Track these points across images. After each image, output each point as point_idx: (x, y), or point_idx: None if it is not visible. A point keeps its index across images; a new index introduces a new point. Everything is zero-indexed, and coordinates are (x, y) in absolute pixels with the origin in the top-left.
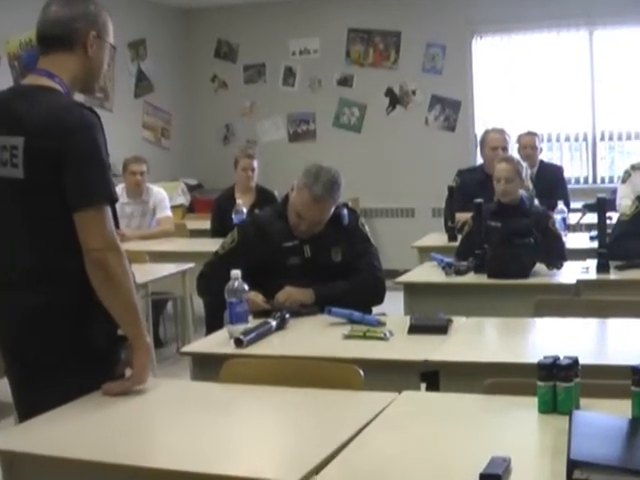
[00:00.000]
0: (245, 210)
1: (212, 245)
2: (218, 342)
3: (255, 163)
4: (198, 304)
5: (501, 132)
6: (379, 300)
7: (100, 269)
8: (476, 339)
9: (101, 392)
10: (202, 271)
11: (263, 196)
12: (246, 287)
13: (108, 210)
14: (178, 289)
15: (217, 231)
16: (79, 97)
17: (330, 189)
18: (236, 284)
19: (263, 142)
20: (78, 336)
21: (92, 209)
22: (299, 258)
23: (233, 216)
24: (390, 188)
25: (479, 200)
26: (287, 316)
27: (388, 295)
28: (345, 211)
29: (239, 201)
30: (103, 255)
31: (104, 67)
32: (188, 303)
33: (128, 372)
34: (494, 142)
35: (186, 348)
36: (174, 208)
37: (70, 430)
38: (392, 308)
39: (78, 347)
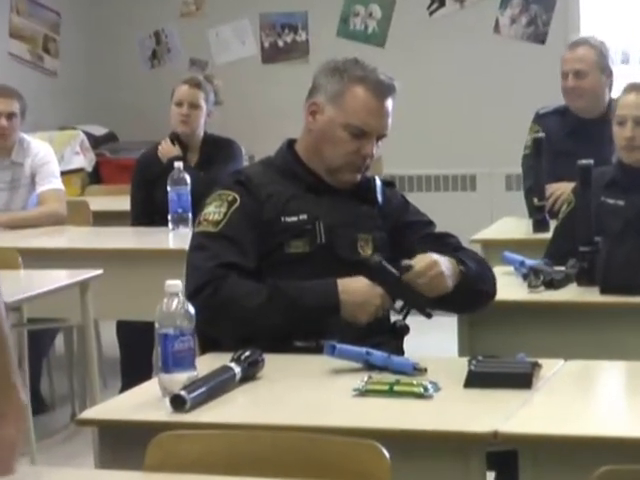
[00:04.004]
0: (188, 177)
1: (134, 237)
2: (143, 402)
3: (202, 97)
4: (109, 338)
5: (583, 44)
6: (493, 291)
7: None
8: (580, 397)
9: None
10: (199, 282)
11: (215, 151)
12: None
13: None
14: (74, 313)
15: (142, 213)
16: None
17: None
18: (174, 305)
19: (219, 63)
20: None
21: None
22: (306, 244)
23: (168, 187)
24: (432, 142)
25: (585, 161)
26: (261, 357)
27: (433, 322)
28: (379, 182)
29: (177, 162)
30: None
31: None
32: (92, 337)
33: None
34: (565, 64)
35: (88, 413)
36: (67, 175)
37: None
38: (439, 343)
39: None
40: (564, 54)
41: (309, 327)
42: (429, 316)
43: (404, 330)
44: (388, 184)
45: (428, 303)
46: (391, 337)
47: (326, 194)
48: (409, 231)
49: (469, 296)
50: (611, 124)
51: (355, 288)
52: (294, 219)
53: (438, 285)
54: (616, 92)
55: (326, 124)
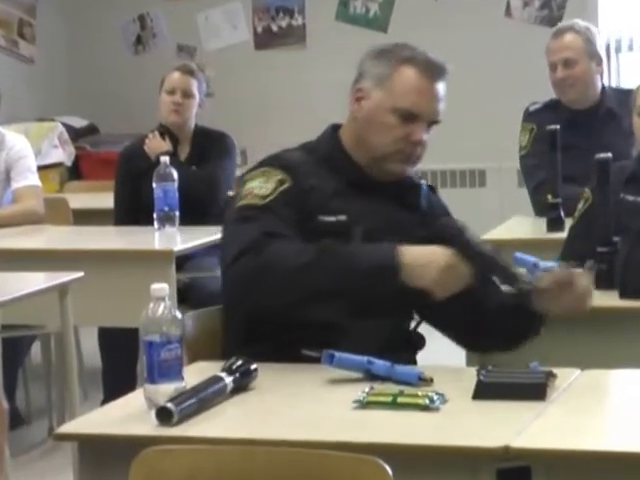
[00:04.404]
0: (175, 172)
1: (118, 237)
2: (126, 415)
3: (195, 85)
4: (90, 346)
5: (568, 31)
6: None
7: None
8: (598, 409)
9: None
10: (242, 247)
11: (208, 144)
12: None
13: None
14: (52, 319)
15: (125, 212)
16: None
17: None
18: (160, 310)
19: (209, 50)
20: None
21: None
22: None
23: (154, 184)
24: (438, 135)
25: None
26: (254, 367)
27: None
28: (424, 184)
29: (164, 157)
30: None
31: None
32: (71, 345)
33: None
34: (551, 54)
35: (67, 427)
36: (45, 171)
37: None
38: (445, 352)
39: None
40: (548, 44)
41: (357, 295)
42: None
43: (420, 342)
44: (431, 189)
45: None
46: (407, 349)
47: (368, 191)
48: (447, 243)
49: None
50: (610, 113)
51: (421, 249)
52: (332, 219)
53: (580, 303)
54: (635, 82)
55: (373, 109)
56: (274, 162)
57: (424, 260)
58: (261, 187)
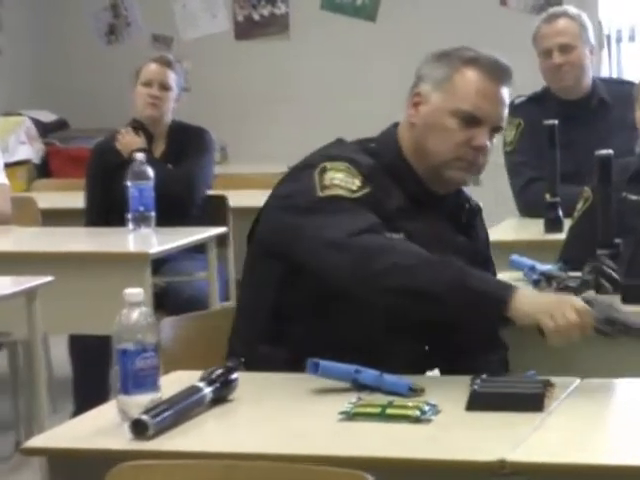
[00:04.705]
0: (151, 170)
1: (89, 239)
2: (98, 429)
3: (173, 78)
4: (60, 354)
5: (562, 16)
6: None
7: None
8: (599, 421)
9: None
10: (361, 226)
11: (185, 140)
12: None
13: None
14: (20, 326)
15: (97, 212)
16: None
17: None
18: (135, 316)
19: (186, 40)
20: None
21: None
22: None
23: (128, 182)
24: None
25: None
26: (234, 376)
27: None
28: (479, 205)
29: (139, 153)
30: None
31: None
32: (40, 353)
33: None
34: (545, 40)
35: (35, 441)
36: (12, 168)
37: None
38: None
39: None
40: (540, 29)
41: (455, 312)
42: None
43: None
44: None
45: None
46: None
47: (427, 207)
48: (483, 268)
49: None
50: (602, 104)
51: (540, 294)
52: (392, 236)
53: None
54: (636, 72)
55: (431, 113)
56: (351, 164)
57: (550, 302)
58: (347, 181)
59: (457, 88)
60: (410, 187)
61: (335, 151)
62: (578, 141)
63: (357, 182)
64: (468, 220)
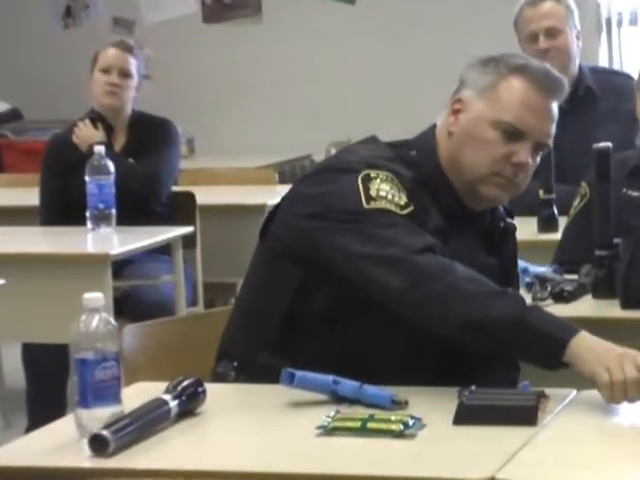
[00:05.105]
0: (111, 165)
1: (44, 239)
2: (55, 445)
3: (133, 64)
4: (12, 365)
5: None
6: None
7: None
8: (595, 435)
9: None
10: (421, 244)
11: (147, 133)
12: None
13: None
14: None
15: (53, 210)
16: None
17: None
18: (94, 323)
19: (149, 23)
20: None
21: None
22: None
23: (87, 177)
24: (419, 120)
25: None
26: (201, 388)
27: None
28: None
29: (98, 147)
30: None
31: None
32: None
33: None
34: (530, 23)
35: None
36: None
37: None
38: None
39: None
40: (524, 12)
41: (506, 346)
42: None
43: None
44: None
45: None
46: None
47: (464, 226)
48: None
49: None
50: (589, 93)
51: (603, 342)
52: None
53: None
54: (636, 56)
55: (471, 122)
56: (395, 175)
57: (610, 352)
58: (395, 195)
59: (501, 97)
60: (447, 203)
61: (373, 155)
62: (561, 132)
63: (404, 197)
64: (500, 238)
